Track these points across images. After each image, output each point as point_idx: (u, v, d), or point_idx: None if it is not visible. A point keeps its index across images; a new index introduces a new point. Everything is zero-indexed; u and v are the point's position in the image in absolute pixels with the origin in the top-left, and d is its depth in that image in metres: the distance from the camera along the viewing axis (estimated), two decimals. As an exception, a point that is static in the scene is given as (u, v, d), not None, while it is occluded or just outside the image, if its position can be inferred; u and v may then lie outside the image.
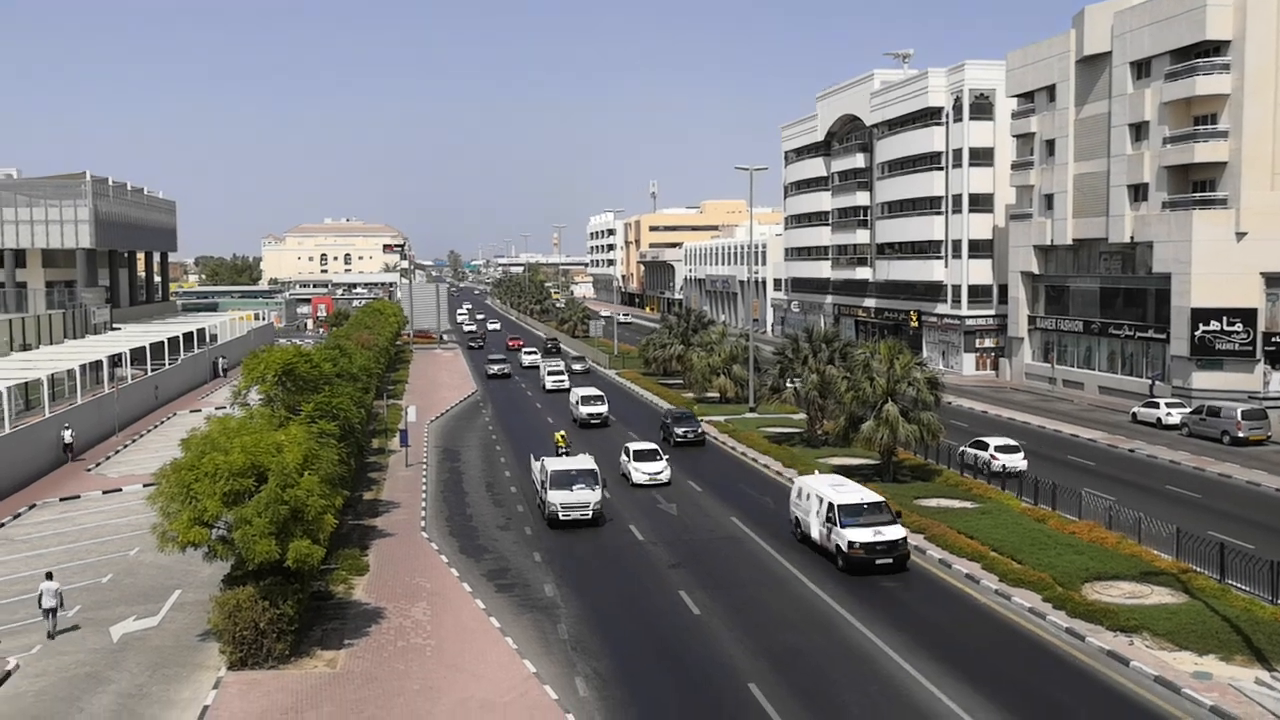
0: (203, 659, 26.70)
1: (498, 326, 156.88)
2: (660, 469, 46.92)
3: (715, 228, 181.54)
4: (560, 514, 39.24)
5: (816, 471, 42.79)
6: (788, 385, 56.99)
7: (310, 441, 28.69)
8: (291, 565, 26.14)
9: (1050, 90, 76.19)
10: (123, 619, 29.58)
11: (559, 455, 48.93)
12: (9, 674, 25.73)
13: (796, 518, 37.47)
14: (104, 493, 45.34)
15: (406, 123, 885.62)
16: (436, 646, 27.67)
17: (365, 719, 23.29)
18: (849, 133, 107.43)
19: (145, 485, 40.76)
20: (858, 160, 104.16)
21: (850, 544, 33.05)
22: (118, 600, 31.25)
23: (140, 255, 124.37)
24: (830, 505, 34.64)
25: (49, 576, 29.08)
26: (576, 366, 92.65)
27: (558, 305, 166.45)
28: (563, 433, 53.88)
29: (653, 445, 49.29)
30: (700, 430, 57.63)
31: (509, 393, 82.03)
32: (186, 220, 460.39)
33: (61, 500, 44.01)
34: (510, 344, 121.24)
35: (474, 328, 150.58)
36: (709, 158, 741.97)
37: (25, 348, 73.32)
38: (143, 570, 33.96)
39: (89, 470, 49.91)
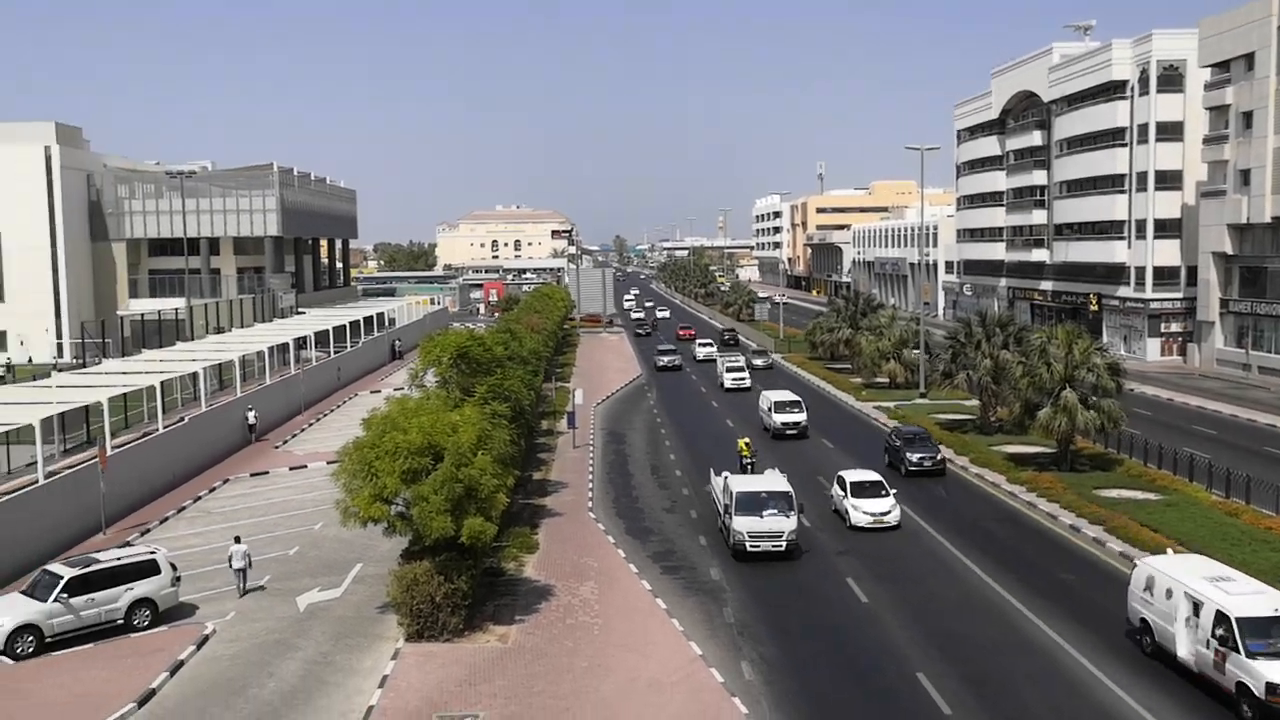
0: (382, 630, 27.76)
1: (667, 314, 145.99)
2: (887, 508, 37.08)
3: (884, 209, 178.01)
4: (747, 544, 33.38)
5: (1170, 550, 29.32)
6: (960, 371, 55.37)
7: (483, 422, 29.43)
8: (465, 542, 26.93)
9: (1248, 59, 71.79)
10: (308, 590, 31.01)
11: (743, 467, 43.73)
12: (206, 638, 27.30)
13: (1144, 619, 25.76)
14: (290, 469, 47.56)
15: (575, 109, 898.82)
16: (604, 625, 28.07)
17: (536, 694, 23.82)
18: (1025, 110, 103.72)
19: (329, 462, 42.57)
20: (1034, 138, 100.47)
21: (1272, 687, 21.41)
22: (304, 572, 32.76)
23: (323, 242, 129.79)
24: (1224, 618, 22.77)
25: (237, 540, 31.27)
26: (758, 362, 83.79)
27: (722, 289, 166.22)
28: (746, 440, 46.43)
29: (875, 475, 39.00)
30: (940, 457, 45.66)
31: (680, 388, 75.09)
32: (366, 208, 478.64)
33: (252, 476, 46.38)
34: (681, 333, 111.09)
35: (641, 314, 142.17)
36: (878, 138, 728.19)
37: (218, 331, 77.47)
38: (326, 544, 35.51)
39: (277, 448, 52.43)
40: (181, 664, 25.66)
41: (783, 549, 33.40)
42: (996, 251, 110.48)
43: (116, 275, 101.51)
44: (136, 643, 26.97)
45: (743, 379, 72.70)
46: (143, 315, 79.48)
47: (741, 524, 33.63)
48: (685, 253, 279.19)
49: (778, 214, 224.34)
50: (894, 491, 38.35)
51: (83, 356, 78.82)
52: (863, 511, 37.00)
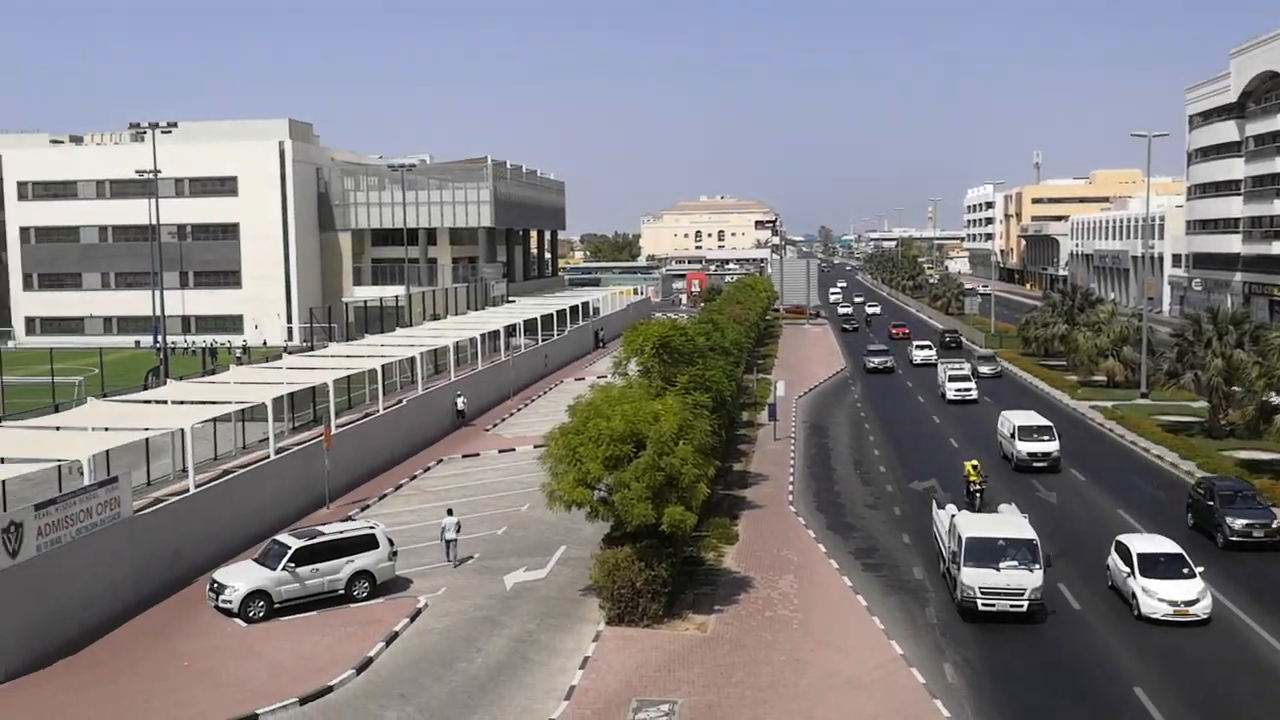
0: (584, 612, 28.36)
1: (878, 309, 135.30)
2: (1194, 595, 27.81)
3: (1105, 199, 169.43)
4: (979, 602, 27.53)
5: None
6: (1186, 370, 52.13)
7: (685, 412, 29.63)
8: (666, 530, 27.21)
9: None
10: (514, 569, 31.99)
11: (969, 495, 38.25)
12: (419, 611, 28.54)
13: None
14: (499, 452, 49.14)
15: (780, 98, 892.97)
16: (803, 620, 27.87)
17: (733, 684, 23.87)
18: (1269, 92, 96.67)
19: (535, 447, 43.74)
20: (1278, 122, 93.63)
21: None
22: (511, 552, 33.81)
23: (533, 233, 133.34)
24: None
25: (449, 512, 33.28)
26: (985, 369, 73.71)
27: (930, 281, 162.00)
28: (975, 463, 39.46)
29: (1173, 546, 29.64)
30: (1277, 525, 33.87)
31: (893, 395, 67.30)
32: (573, 200, 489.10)
33: (464, 457, 48.14)
34: (894, 332, 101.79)
35: (849, 309, 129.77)
36: (1099, 126, 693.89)
37: (435, 317, 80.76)
38: (532, 525, 36.53)
39: (487, 431, 54.24)
40: (396, 635, 26.91)
41: (1023, 609, 27.47)
42: (1231, 244, 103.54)
43: (342, 264, 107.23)
44: (355, 613, 28.45)
45: (968, 389, 63.50)
46: (365, 302, 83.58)
47: (972, 577, 27.73)
48: (893, 244, 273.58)
49: (990, 204, 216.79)
50: (1201, 570, 28.78)
51: (310, 340, 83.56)
52: (1159, 598, 27.68)
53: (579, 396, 30.46)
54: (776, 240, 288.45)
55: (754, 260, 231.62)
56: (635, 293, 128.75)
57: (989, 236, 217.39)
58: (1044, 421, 46.76)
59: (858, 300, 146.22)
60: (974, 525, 29.47)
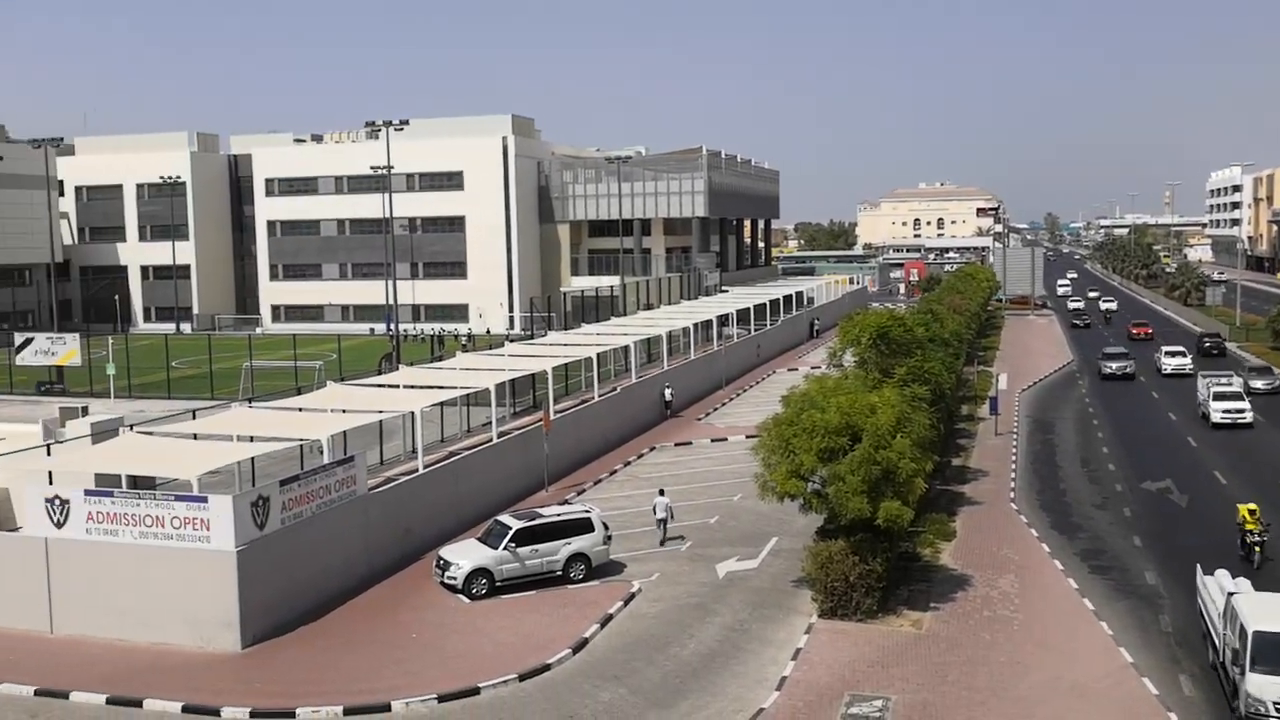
0: (795, 604, 28.22)
1: (1114, 304, 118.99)
2: None
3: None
4: (1272, 717, 20.61)
5: None
6: None
7: (903, 404, 29.07)
8: (881, 524, 26.75)
9: None
10: (727, 558, 32.13)
11: (1245, 548, 30.71)
12: (633, 595, 29.06)
13: None
14: (711, 441, 49.41)
15: (1004, 80, 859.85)
16: (1024, 621, 26.89)
17: (949, 684, 23.27)
18: None
19: (747, 437, 43.75)
20: None
21: None
22: (723, 540, 33.98)
23: (746, 222, 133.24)
24: None
25: (661, 492, 34.40)
26: (1260, 384, 60.09)
27: (1167, 270, 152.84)
28: (1252, 506, 31.47)
29: None
30: None
31: (1133, 405, 58.50)
32: (788, 188, 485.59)
33: (676, 445, 48.66)
34: (1134, 331, 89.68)
35: (1080, 303, 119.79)
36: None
37: (648, 307, 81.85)
38: (744, 515, 36.59)
39: (699, 420, 54.63)
40: (610, 617, 27.49)
41: None
42: None
43: (560, 254, 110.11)
44: (572, 594, 29.22)
45: (1240, 412, 51.21)
46: (582, 291, 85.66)
47: (1263, 687, 20.56)
48: (1125, 231, 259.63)
49: (1237, 188, 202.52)
50: None
51: (530, 329, 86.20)
52: None
53: (792, 387, 30.31)
54: (999, 228, 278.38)
55: (975, 249, 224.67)
56: (851, 282, 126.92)
57: (1235, 222, 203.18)
58: None
59: (1092, 294, 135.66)
60: (1264, 612, 21.74)
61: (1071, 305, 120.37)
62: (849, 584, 26.67)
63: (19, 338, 67.57)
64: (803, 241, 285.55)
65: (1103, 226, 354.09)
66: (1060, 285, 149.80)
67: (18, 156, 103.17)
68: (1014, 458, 45.72)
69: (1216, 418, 51.38)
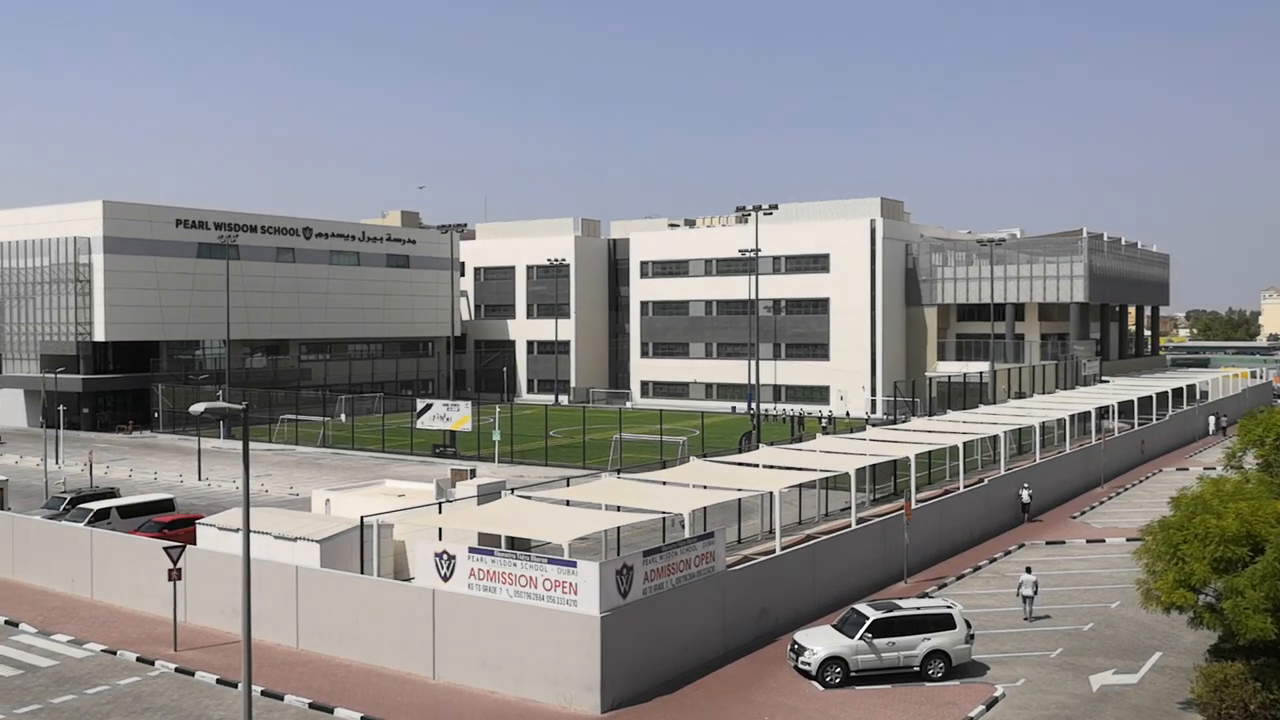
0: (1182, 729, 25.59)
1: None
2: None
3: None
4: None
5: None
6: None
7: (1316, 515, 25.87)
8: (1288, 648, 23.81)
9: None
10: (1102, 670, 29.70)
11: None
12: (996, 700, 27.44)
13: None
14: (1087, 541, 46.14)
15: None
16: None
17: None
18: None
19: (1128, 539, 40.60)
20: None
21: None
22: (1097, 650, 31.48)
23: (1131, 308, 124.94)
24: None
25: (1028, 570, 33.90)
26: None
27: None
28: None
29: None
30: None
31: None
32: (1180, 273, 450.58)
33: (1047, 544, 45.83)
34: None
35: None
36: None
37: (1020, 395, 78.22)
38: (1122, 624, 33.75)
39: (1074, 518, 51.22)
40: (970, 721, 26.09)
41: None
42: None
43: (927, 338, 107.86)
44: (930, 692, 28.01)
45: None
46: (949, 377, 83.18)
47: None
48: None
49: None
50: None
51: (893, 413, 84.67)
52: None
53: (1183, 488, 27.85)
54: None
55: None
56: (1252, 376, 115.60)
57: None
58: None
59: None
60: None
61: None
62: (1248, 713, 23.83)
63: (420, 403, 74.49)
64: (1195, 330, 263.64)
65: None
66: None
67: (429, 240, 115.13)
68: None
69: None
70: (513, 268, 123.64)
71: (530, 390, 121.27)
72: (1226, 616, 24.46)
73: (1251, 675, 23.99)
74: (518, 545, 33.04)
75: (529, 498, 36.20)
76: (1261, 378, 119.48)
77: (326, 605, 30.63)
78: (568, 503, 35.87)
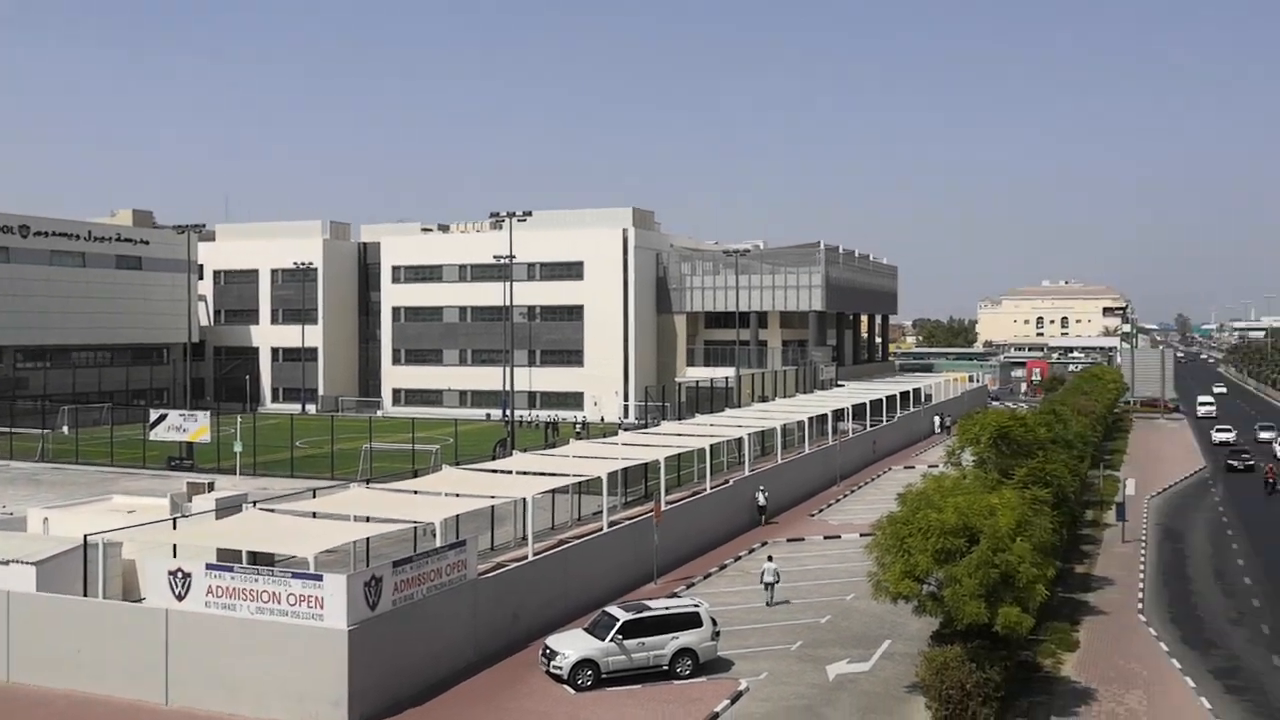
0: (908, 711, 27.26)
1: (1273, 433, 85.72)
2: None
3: None
4: None
5: None
6: None
7: (1023, 507, 28.20)
8: (1000, 631, 25.83)
9: None
10: (838, 660, 31.27)
11: None
12: (740, 694, 28.42)
13: None
14: (824, 538, 48.52)
15: (1133, 178, 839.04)
16: (1153, 742, 25.50)
17: (1072, 805, 22.09)
18: None
19: (861, 535, 42.90)
20: None
21: None
22: (833, 641, 33.13)
23: (864, 317, 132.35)
24: None
25: (770, 559, 36.52)
26: None
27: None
28: None
29: None
30: None
31: (1269, 508, 57.37)
32: (906, 284, 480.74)
33: (788, 541, 47.90)
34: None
35: (1230, 434, 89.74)
36: None
37: (763, 399, 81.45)
38: (856, 616, 35.67)
39: (812, 516, 53.75)
40: (716, 716, 26.90)
41: None
42: None
43: (677, 344, 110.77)
44: (677, 690, 28.71)
45: None
46: (698, 381, 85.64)
47: None
48: (1262, 334, 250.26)
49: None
50: None
51: (645, 418, 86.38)
52: None
53: (909, 485, 29.72)
54: (1126, 328, 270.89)
55: (1101, 349, 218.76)
56: (970, 380, 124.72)
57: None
58: None
59: (1266, 425, 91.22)
60: None
61: (1219, 436, 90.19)
62: (965, 692, 25.65)
63: (154, 414, 70.30)
64: (921, 338, 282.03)
65: (1237, 329, 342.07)
66: (1202, 405, 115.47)
67: (163, 241, 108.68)
68: (1142, 566, 43.83)
69: None
70: (256, 271, 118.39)
71: (275, 399, 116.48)
72: (946, 604, 26.28)
73: (968, 657, 25.82)
74: (260, 560, 31.62)
75: (272, 510, 34.76)
76: (978, 382, 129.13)
77: (43, 633, 28.45)
78: (314, 515, 34.69)
